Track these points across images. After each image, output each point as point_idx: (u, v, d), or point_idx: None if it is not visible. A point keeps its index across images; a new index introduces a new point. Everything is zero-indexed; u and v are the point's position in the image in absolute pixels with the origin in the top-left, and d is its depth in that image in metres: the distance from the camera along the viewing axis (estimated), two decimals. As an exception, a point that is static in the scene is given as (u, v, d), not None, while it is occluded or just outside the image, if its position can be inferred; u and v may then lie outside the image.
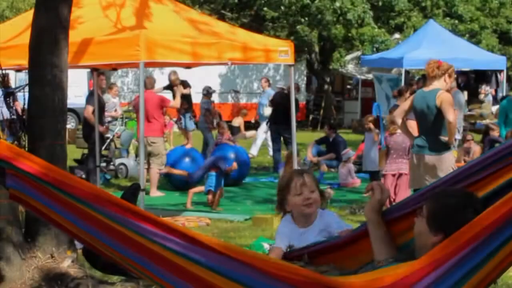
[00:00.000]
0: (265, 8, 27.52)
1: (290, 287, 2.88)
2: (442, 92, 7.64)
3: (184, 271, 3.03)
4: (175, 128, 20.95)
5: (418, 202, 3.25)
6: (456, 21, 26.82)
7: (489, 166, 3.08)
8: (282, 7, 26.74)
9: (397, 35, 28.00)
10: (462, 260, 2.74)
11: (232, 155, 12.92)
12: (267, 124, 17.24)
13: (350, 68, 30.93)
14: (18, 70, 12.13)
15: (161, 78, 25.95)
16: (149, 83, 12.60)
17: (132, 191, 3.82)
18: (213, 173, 11.17)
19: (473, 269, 2.75)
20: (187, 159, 13.15)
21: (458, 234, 2.78)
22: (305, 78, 30.42)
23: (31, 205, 3.41)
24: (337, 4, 25.33)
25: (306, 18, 26.62)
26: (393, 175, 10.03)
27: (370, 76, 26.91)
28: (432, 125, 7.68)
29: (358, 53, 28.37)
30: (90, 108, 12.49)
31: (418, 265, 2.79)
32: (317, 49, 29.40)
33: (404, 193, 9.47)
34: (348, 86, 33.38)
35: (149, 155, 12.25)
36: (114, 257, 3.27)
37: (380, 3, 26.66)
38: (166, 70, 20.79)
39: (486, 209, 2.80)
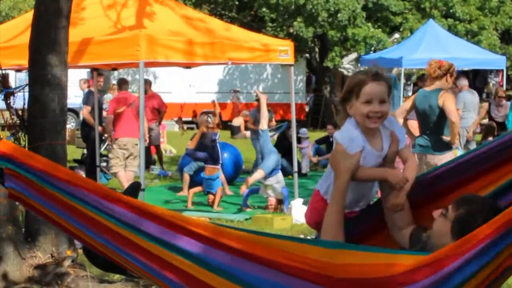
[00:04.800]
0: (263, 9, 27.49)
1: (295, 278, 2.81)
2: (445, 92, 7.63)
3: (181, 271, 3.01)
4: (176, 128, 20.94)
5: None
6: (456, 22, 26.77)
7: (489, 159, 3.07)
8: (281, 8, 26.73)
9: (397, 35, 27.95)
10: (462, 266, 2.65)
11: (225, 155, 12.96)
12: None
13: (350, 67, 30.87)
14: (18, 70, 12.11)
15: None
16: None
17: (132, 189, 3.81)
18: (212, 176, 11.15)
19: (466, 278, 2.67)
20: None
21: (465, 240, 2.69)
22: (305, 78, 30.39)
23: (30, 204, 3.41)
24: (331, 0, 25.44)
25: (301, 16, 26.62)
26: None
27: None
28: (434, 124, 7.67)
29: (356, 54, 28.34)
30: (88, 108, 12.47)
31: (422, 263, 2.71)
32: (316, 48, 29.38)
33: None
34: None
35: (129, 155, 11.71)
36: (114, 257, 3.26)
37: (370, 4, 26.63)
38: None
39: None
